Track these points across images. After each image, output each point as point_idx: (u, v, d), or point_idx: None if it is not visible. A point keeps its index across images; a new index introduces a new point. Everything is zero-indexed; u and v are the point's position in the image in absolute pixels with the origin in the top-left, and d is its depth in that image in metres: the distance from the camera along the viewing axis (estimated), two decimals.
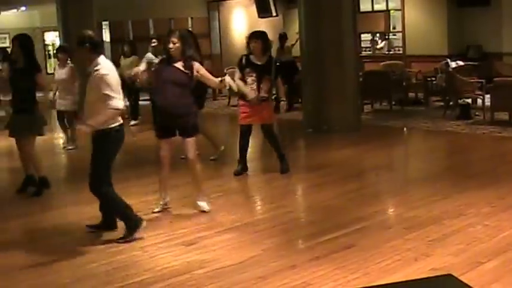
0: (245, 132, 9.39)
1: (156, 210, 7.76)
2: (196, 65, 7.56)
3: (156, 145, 7.85)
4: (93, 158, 6.73)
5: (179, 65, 7.47)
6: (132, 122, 15.10)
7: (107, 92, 6.49)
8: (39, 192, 8.93)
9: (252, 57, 9.12)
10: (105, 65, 6.64)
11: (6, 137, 9.52)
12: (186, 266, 5.98)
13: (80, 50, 6.65)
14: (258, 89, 9.05)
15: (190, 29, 22.90)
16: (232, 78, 8.29)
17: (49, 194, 9.02)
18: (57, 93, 12.12)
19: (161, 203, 7.83)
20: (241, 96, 9.21)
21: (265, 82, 9.11)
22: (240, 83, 9.00)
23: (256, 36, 9.18)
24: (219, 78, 7.64)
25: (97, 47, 6.68)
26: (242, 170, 9.50)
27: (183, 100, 7.52)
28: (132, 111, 15.41)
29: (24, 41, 8.81)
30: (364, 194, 8.32)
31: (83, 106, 7.04)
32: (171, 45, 7.45)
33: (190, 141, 7.58)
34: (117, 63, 17.32)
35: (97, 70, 6.56)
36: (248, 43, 9.16)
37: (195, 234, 6.88)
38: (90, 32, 6.78)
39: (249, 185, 9.36)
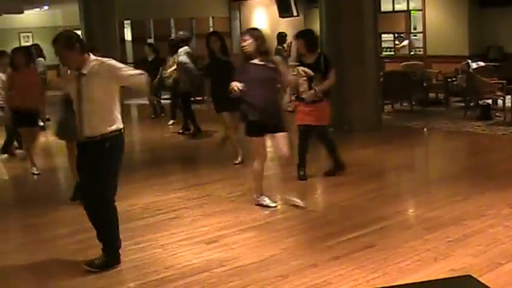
0: (303, 133, 9.06)
1: (277, 204, 7.89)
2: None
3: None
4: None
5: (258, 61, 7.48)
6: (171, 122, 15.05)
7: (127, 71, 5.99)
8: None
9: (303, 57, 8.87)
10: (100, 58, 6.00)
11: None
12: (206, 264, 6.02)
13: (69, 52, 5.82)
14: (309, 88, 8.72)
15: (211, 28, 23.00)
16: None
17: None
18: None
19: (265, 197, 7.89)
20: (296, 95, 8.96)
21: (318, 81, 8.75)
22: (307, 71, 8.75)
23: (297, 35, 9.02)
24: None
25: (85, 46, 6.02)
26: (305, 175, 9.11)
27: (276, 95, 7.76)
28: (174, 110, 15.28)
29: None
30: (385, 194, 8.32)
31: None
32: (244, 44, 7.46)
33: (285, 136, 7.62)
34: (140, 62, 17.50)
35: (97, 64, 5.89)
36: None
37: (216, 232, 6.93)
38: (71, 31, 6.15)
39: (270, 184, 9.35)
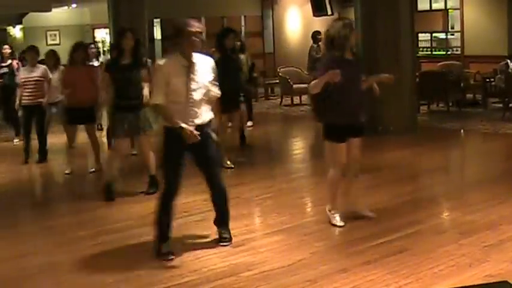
0: None
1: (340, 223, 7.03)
2: None
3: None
4: None
5: (351, 58, 6.84)
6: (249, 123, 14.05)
7: None
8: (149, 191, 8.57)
9: None
10: None
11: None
12: (233, 268, 5.90)
13: None
14: None
15: (243, 28, 22.92)
16: None
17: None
18: None
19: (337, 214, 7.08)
20: None
21: None
22: None
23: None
24: None
25: None
26: None
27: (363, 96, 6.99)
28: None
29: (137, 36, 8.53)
30: (419, 197, 8.16)
31: None
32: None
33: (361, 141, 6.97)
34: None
35: None
36: None
37: (243, 235, 6.80)
38: None
39: (300, 186, 9.25)
